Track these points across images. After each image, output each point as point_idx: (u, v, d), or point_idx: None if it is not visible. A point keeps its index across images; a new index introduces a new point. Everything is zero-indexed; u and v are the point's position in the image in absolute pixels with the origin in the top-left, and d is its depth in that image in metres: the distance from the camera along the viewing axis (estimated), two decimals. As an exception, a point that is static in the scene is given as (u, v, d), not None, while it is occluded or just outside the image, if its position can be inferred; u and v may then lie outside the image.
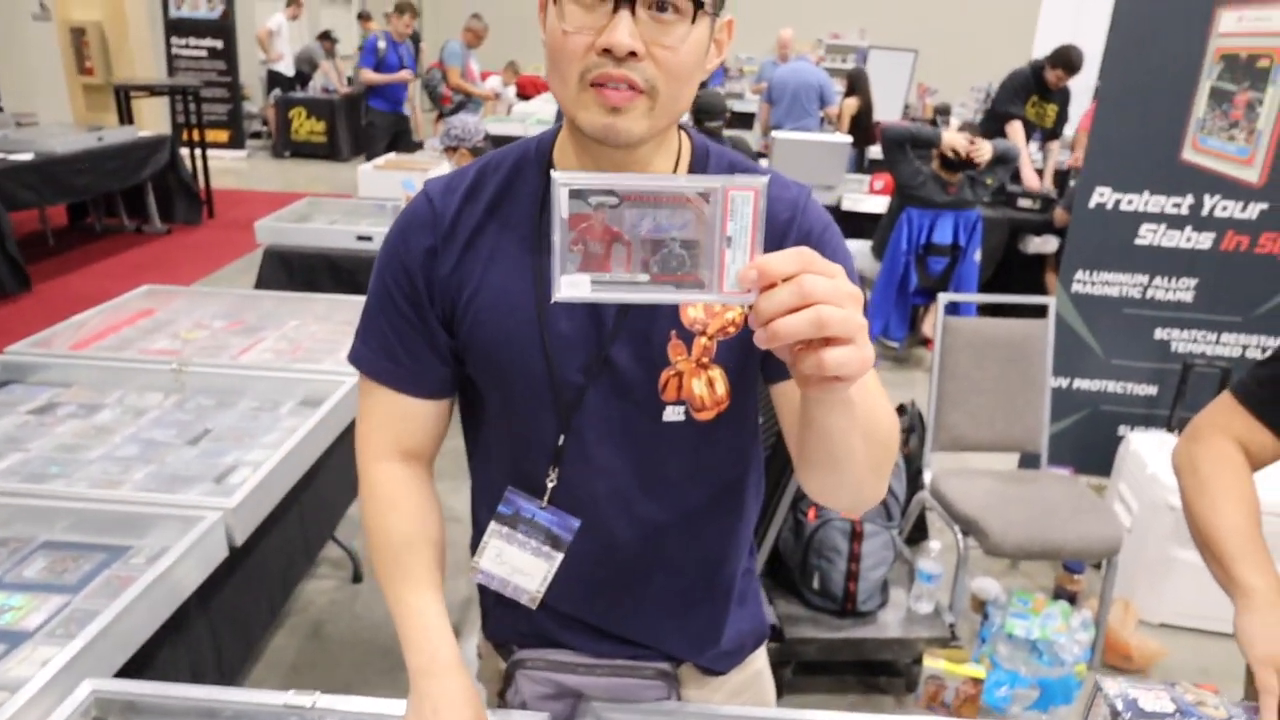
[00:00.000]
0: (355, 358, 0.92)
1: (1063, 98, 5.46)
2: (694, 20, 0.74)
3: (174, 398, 2.12)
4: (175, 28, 9.12)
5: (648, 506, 0.91)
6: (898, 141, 4.18)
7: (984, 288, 5.12)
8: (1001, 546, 2.29)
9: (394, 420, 0.92)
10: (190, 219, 6.67)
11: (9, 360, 2.18)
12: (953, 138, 4.14)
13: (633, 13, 0.72)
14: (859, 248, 4.64)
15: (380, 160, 4.80)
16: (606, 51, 0.72)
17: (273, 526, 1.81)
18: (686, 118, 5.67)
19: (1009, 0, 12.50)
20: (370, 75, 6.46)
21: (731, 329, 0.85)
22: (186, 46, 9.17)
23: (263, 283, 3.43)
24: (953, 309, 2.67)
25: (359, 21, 10.37)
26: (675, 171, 0.86)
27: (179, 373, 2.14)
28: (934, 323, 2.66)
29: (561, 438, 0.88)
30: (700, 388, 0.87)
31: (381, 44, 6.50)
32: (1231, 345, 3.10)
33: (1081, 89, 5.15)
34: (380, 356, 0.91)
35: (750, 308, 0.58)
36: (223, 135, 9.38)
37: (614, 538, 0.92)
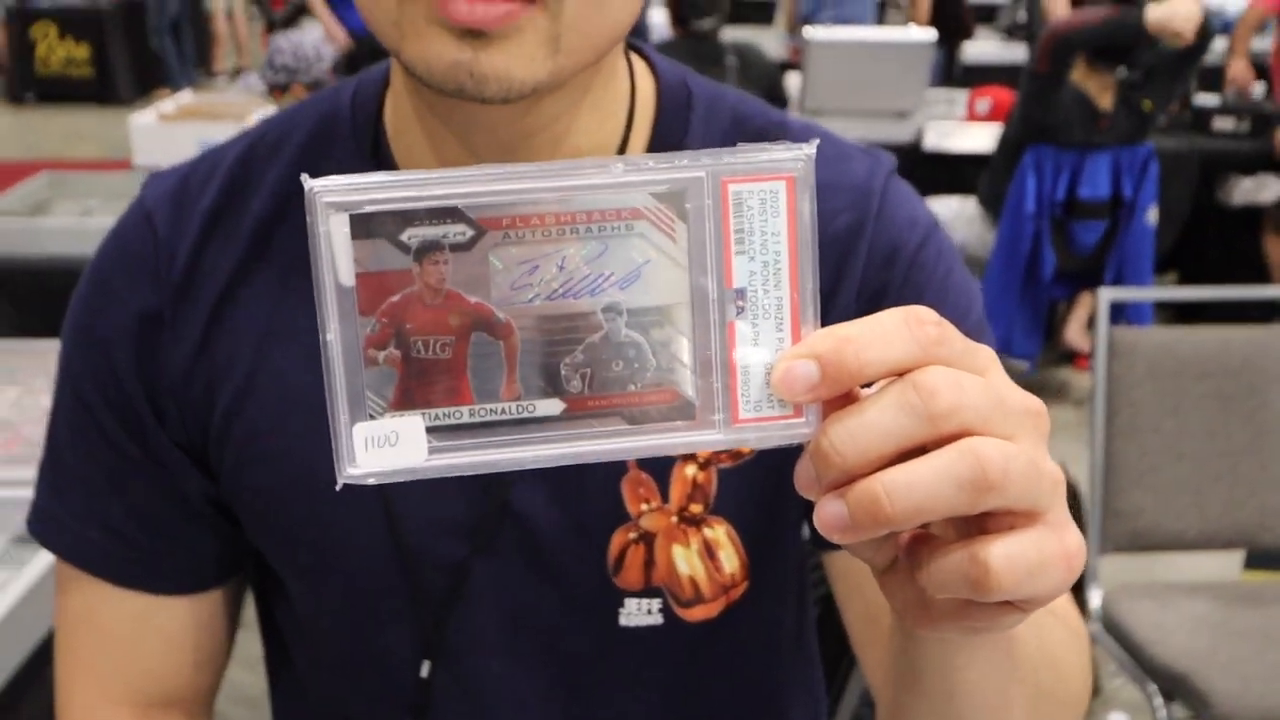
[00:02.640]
0: (41, 526, 0.60)
1: None
2: None
3: None
4: None
5: None
6: (1075, 47, 2.88)
7: (1165, 265, 3.73)
8: (1235, 717, 1.71)
9: (123, 640, 0.60)
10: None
11: None
12: (1164, 12, 2.76)
13: None
14: (960, 208, 3.30)
15: (169, 105, 3.51)
16: None
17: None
18: (660, 17, 3.99)
19: None
20: None
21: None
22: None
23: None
24: (1119, 312, 2.03)
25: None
26: (626, 142, 0.54)
27: None
28: (1084, 328, 2.00)
29: (426, 665, 0.58)
30: (688, 562, 0.57)
31: None
32: None
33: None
34: (88, 525, 0.58)
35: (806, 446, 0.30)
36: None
37: None
